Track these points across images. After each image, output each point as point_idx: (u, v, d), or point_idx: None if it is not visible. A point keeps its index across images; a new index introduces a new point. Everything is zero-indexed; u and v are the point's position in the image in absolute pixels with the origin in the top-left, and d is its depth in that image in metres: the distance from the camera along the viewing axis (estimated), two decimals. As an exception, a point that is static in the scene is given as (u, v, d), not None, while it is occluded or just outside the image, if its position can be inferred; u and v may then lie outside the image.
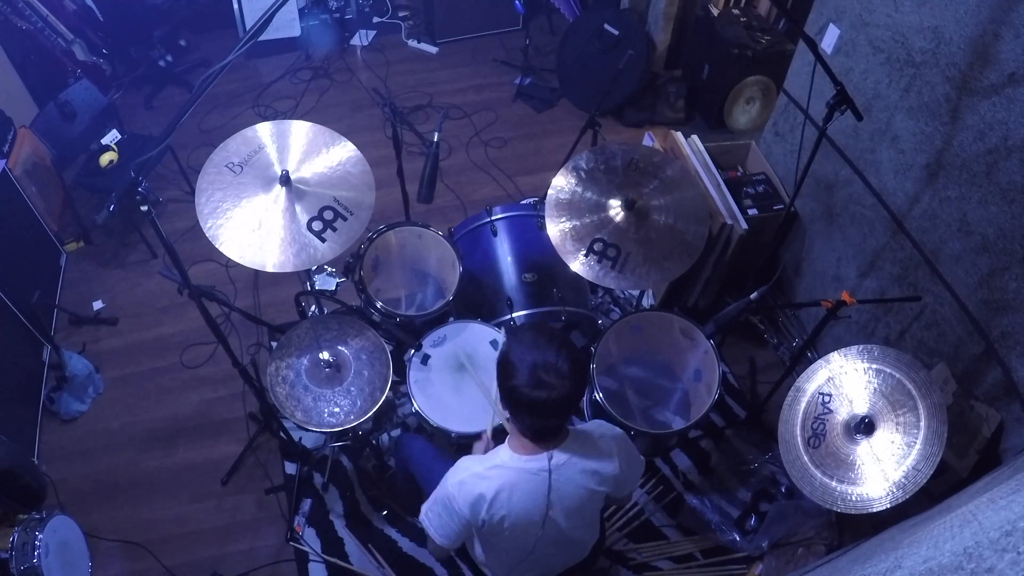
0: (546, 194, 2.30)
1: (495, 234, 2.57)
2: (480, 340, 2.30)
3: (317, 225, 2.01)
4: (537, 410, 1.46)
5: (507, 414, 1.55)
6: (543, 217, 2.30)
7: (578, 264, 2.16)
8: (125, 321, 3.08)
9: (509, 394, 1.48)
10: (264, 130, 2.07)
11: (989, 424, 2.04)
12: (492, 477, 1.56)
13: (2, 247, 2.74)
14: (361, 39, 4.54)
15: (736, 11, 3.73)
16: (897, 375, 1.86)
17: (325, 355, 2.15)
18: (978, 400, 2.11)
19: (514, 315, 2.40)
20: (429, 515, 1.65)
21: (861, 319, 2.62)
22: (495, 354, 2.23)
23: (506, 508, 1.56)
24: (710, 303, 3.00)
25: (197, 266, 3.18)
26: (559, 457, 1.56)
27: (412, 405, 2.16)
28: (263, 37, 1.55)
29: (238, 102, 4.08)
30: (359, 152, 2.14)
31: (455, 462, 1.94)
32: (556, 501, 1.59)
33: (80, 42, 3.80)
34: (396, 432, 2.54)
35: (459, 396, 2.19)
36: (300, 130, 2.10)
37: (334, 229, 2.03)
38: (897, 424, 1.81)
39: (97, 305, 3.13)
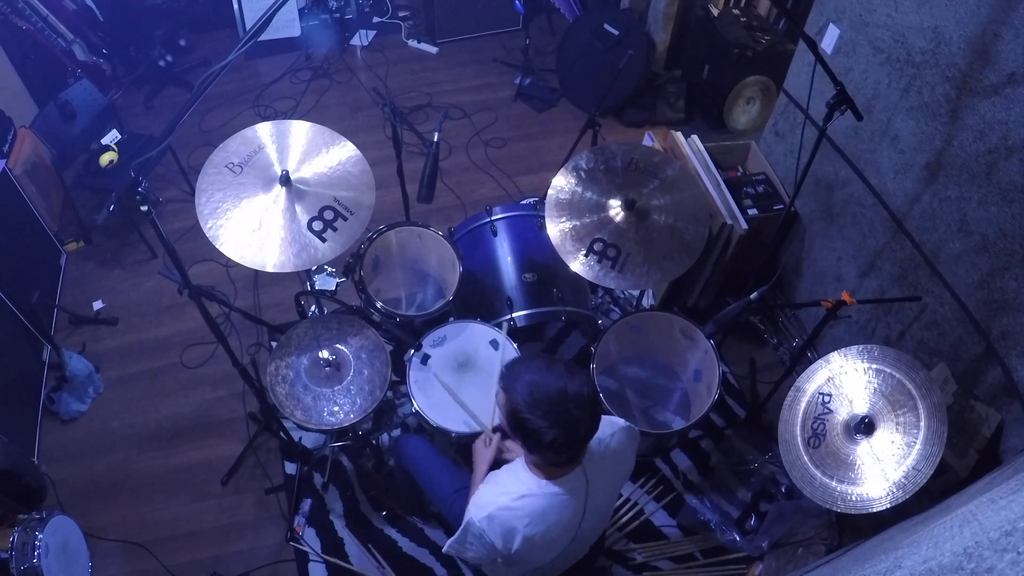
0: (546, 194, 2.30)
1: (495, 234, 2.57)
2: (480, 340, 2.30)
3: (317, 225, 2.02)
4: (565, 447, 1.41)
5: (523, 449, 1.50)
6: (543, 217, 2.30)
7: (578, 264, 2.16)
8: (125, 321, 3.08)
9: (533, 437, 1.40)
10: (264, 130, 2.07)
11: (989, 424, 2.04)
12: (521, 507, 1.50)
13: (2, 247, 2.74)
14: (361, 39, 4.54)
15: (736, 11, 3.73)
16: (897, 375, 1.86)
17: (325, 354, 2.15)
18: (978, 400, 2.11)
19: (514, 315, 2.40)
20: (463, 547, 1.58)
21: (861, 319, 2.62)
22: (495, 354, 2.24)
23: (539, 535, 1.53)
24: (710, 303, 3.00)
25: (197, 266, 3.18)
26: (590, 469, 1.53)
27: (412, 405, 2.16)
28: (263, 37, 1.55)
29: (238, 102, 4.08)
30: (359, 152, 2.14)
31: (454, 462, 1.94)
32: (588, 514, 1.57)
33: (80, 42, 3.80)
34: (396, 432, 2.54)
35: (459, 396, 2.19)
36: (300, 130, 2.10)
37: (334, 229, 2.03)
38: (897, 424, 1.81)
39: (97, 305, 3.13)
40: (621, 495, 2.52)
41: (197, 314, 1.94)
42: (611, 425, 1.66)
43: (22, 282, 2.76)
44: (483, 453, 1.88)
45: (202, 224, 1.91)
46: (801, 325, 3.00)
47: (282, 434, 2.51)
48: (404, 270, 2.61)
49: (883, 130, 2.35)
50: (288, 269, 1.98)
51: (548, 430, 1.36)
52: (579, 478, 1.51)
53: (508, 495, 1.52)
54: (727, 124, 3.84)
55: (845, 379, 1.92)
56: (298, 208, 2.02)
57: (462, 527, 1.57)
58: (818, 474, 1.86)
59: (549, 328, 2.64)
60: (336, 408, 2.11)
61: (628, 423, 1.71)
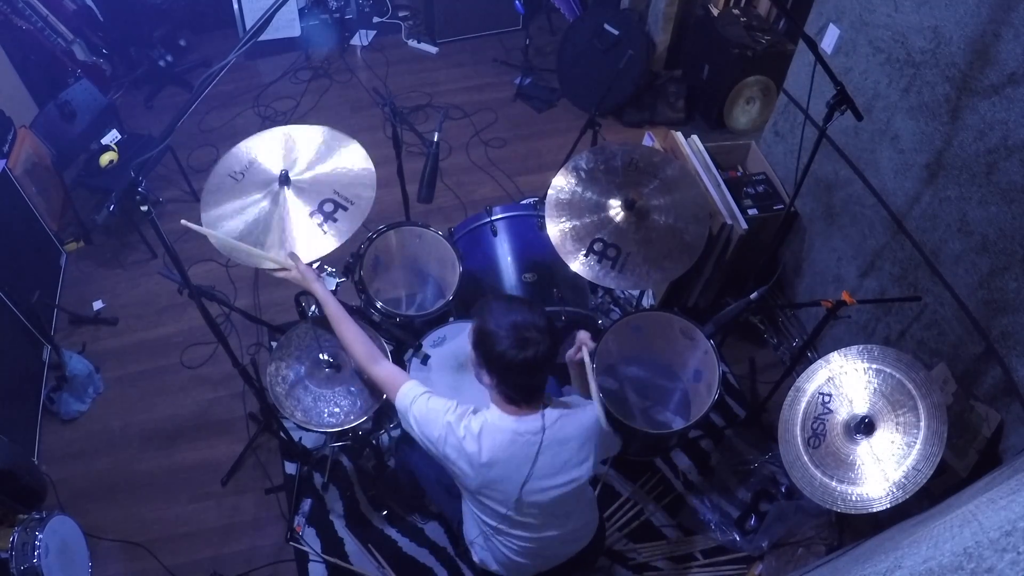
0: (546, 194, 2.30)
1: (495, 234, 2.57)
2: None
3: (317, 218, 2.02)
4: (526, 369, 1.51)
5: (492, 382, 1.58)
6: (543, 217, 2.30)
7: (578, 264, 2.16)
8: (125, 321, 3.08)
9: (496, 361, 1.52)
10: (265, 138, 2.08)
11: (989, 424, 2.04)
12: (477, 435, 1.59)
13: (2, 247, 2.74)
14: (361, 39, 4.54)
15: (736, 11, 3.73)
16: (897, 375, 1.86)
17: (325, 355, 2.14)
18: (978, 400, 2.11)
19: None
20: (410, 411, 1.68)
21: (861, 319, 2.62)
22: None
23: (494, 459, 1.59)
24: (710, 303, 3.00)
25: (197, 266, 3.18)
26: (551, 415, 1.60)
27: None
28: (263, 37, 1.55)
29: (238, 102, 4.08)
30: (363, 150, 2.14)
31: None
32: (542, 460, 1.61)
33: (80, 42, 3.80)
34: (396, 432, 2.54)
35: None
36: (308, 135, 2.11)
37: (334, 220, 2.03)
38: (897, 424, 1.81)
39: (97, 305, 3.13)
40: (620, 494, 2.52)
41: (197, 314, 1.94)
42: (577, 397, 1.75)
43: (22, 282, 2.76)
44: (305, 274, 1.89)
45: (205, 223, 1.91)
46: (801, 325, 3.00)
47: (282, 434, 2.51)
48: (404, 270, 2.60)
49: (883, 130, 2.35)
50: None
51: (506, 341, 1.49)
52: (537, 422, 1.59)
53: (472, 418, 1.62)
54: (727, 124, 3.84)
55: (845, 379, 1.92)
56: (298, 207, 2.01)
57: (419, 410, 1.67)
58: (818, 474, 1.86)
59: (549, 328, 2.64)
60: (336, 409, 2.11)
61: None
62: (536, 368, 1.52)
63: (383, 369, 1.80)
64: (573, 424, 1.64)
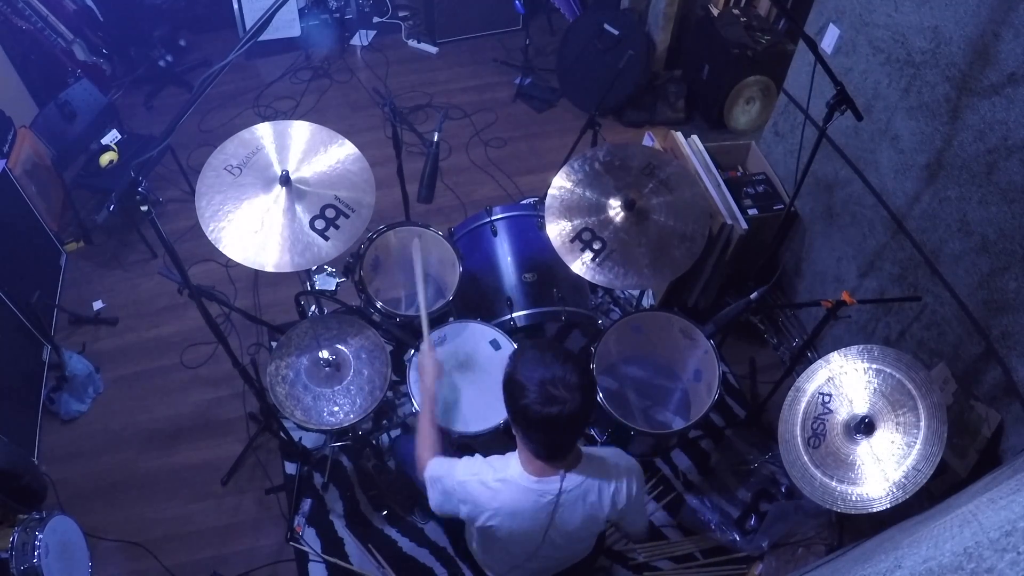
0: (546, 194, 2.30)
1: (495, 234, 2.57)
2: (480, 340, 2.30)
3: (320, 224, 2.02)
4: (550, 427, 1.43)
5: (518, 435, 1.52)
6: (543, 217, 2.30)
7: (579, 265, 2.16)
8: (125, 321, 3.08)
9: (521, 414, 1.44)
10: (262, 131, 2.07)
11: (989, 424, 2.04)
12: (497, 491, 1.54)
13: (2, 247, 2.74)
14: (361, 39, 4.54)
15: (736, 11, 3.73)
16: (897, 375, 1.86)
17: (324, 354, 2.15)
18: (978, 400, 2.11)
19: (514, 315, 2.40)
20: (432, 482, 1.64)
21: (861, 319, 2.62)
22: (495, 354, 2.24)
23: (504, 524, 1.56)
24: (710, 303, 2.99)
25: (197, 266, 3.18)
26: (571, 480, 1.54)
27: (412, 405, 2.16)
28: (263, 37, 1.56)
29: (238, 102, 4.08)
30: (358, 151, 2.14)
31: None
32: (558, 523, 1.57)
33: (80, 42, 3.80)
34: (396, 432, 2.54)
35: (459, 396, 2.19)
36: (299, 130, 2.10)
37: (336, 227, 2.03)
38: (897, 424, 1.81)
39: (97, 305, 3.13)
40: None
41: (197, 314, 1.94)
42: (616, 455, 1.66)
43: (22, 282, 2.76)
44: (428, 367, 1.97)
45: (203, 227, 1.91)
46: (801, 325, 3.00)
47: (282, 434, 2.51)
48: (404, 270, 2.60)
49: (883, 130, 2.35)
50: (292, 269, 1.97)
51: (531, 395, 1.41)
52: (555, 484, 1.53)
53: (493, 471, 1.56)
54: (727, 124, 3.84)
55: (845, 379, 1.92)
56: (299, 208, 2.01)
57: (436, 477, 1.63)
58: (818, 474, 1.86)
59: (549, 328, 2.63)
60: (336, 408, 2.11)
61: (635, 463, 1.69)
62: (561, 426, 1.44)
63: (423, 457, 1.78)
64: (597, 487, 1.58)
